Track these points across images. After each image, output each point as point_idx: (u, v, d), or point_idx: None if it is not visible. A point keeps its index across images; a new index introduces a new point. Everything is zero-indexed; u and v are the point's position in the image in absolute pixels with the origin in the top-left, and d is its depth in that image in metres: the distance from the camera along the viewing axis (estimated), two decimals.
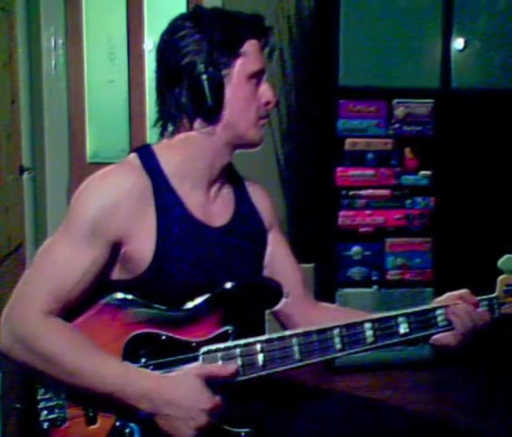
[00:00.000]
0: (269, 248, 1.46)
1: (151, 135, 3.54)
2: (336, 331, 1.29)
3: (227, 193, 1.42)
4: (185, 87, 1.29)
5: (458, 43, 3.25)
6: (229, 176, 1.43)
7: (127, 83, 3.54)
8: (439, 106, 3.26)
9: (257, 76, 1.32)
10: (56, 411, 1.23)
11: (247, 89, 1.32)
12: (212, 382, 1.21)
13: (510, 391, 2.98)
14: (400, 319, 1.33)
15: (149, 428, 1.21)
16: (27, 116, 3.31)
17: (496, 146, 3.30)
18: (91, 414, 1.23)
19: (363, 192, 3.25)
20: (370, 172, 3.25)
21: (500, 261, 1.43)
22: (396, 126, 3.23)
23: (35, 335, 1.19)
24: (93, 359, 1.20)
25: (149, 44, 3.51)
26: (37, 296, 1.21)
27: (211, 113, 1.30)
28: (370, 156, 3.24)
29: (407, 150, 3.27)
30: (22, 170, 3.20)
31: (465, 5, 3.25)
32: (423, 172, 3.28)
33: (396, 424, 1.35)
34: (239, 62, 1.30)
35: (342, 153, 3.22)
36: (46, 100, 3.40)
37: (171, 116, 1.33)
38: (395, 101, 3.22)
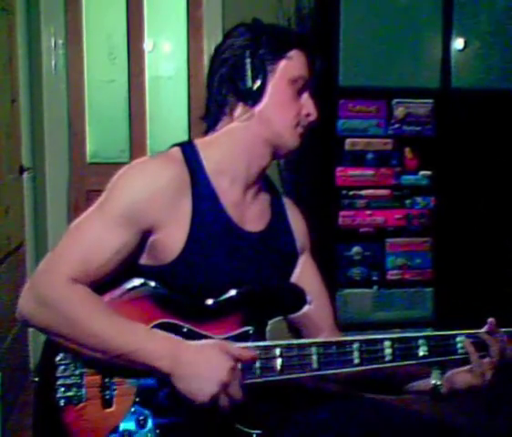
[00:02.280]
0: (297, 271, 1.47)
1: (151, 135, 3.55)
2: (356, 346, 1.28)
3: (264, 202, 1.44)
4: (230, 73, 1.34)
5: (458, 43, 3.25)
6: (267, 187, 1.46)
7: (127, 83, 3.54)
8: (439, 106, 3.26)
9: (300, 84, 1.36)
10: (74, 389, 1.23)
11: (287, 92, 1.35)
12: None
13: (510, 392, 2.98)
14: (420, 341, 1.32)
15: (164, 412, 1.22)
16: (27, 116, 3.32)
17: (497, 146, 3.30)
18: (108, 397, 1.23)
19: (363, 192, 3.25)
20: (370, 172, 3.25)
21: None
22: (396, 126, 3.24)
23: (61, 297, 1.20)
24: (117, 320, 1.21)
25: (149, 44, 3.51)
26: (66, 264, 1.22)
27: (251, 96, 1.33)
28: (370, 156, 3.24)
29: (407, 150, 3.27)
30: (22, 170, 3.20)
31: (465, 5, 3.25)
32: (423, 172, 3.29)
33: (396, 424, 1.35)
34: (283, 63, 1.35)
35: (342, 153, 3.22)
36: (45, 100, 3.40)
37: (216, 106, 1.37)
38: (395, 101, 3.23)
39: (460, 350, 1.34)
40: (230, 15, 3.41)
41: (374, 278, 3.30)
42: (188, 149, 1.36)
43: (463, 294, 3.13)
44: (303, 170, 3.57)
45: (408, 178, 3.28)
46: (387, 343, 1.30)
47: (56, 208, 3.43)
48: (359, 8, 3.16)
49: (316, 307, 1.38)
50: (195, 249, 1.28)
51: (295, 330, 1.46)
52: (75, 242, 1.25)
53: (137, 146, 3.53)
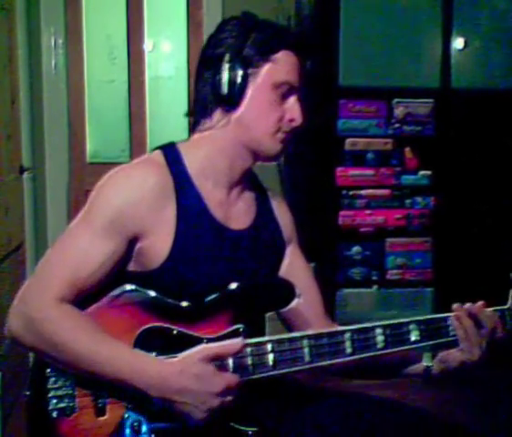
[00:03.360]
0: (286, 262, 1.47)
1: (151, 135, 3.55)
2: (347, 335, 1.29)
3: (248, 199, 1.43)
4: (211, 75, 1.32)
5: (458, 43, 3.25)
6: (252, 184, 1.45)
7: (127, 83, 3.54)
8: (439, 106, 3.26)
9: (285, 88, 1.32)
10: (66, 400, 1.22)
11: (270, 96, 1.31)
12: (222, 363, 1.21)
13: (511, 391, 2.98)
14: (411, 326, 1.33)
15: (160, 416, 1.21)
16: (27, 116, 3.31)
17: (497, 145, 3.30)
18: (100, 405, 1.23)
19: (363, 192, 3.26)
20: (370, 172, 3.25)
21: None
22: (396, 125, 3.24)
23: (49, 321, 1.19)
24: (104, 346, 1.20)
25: (149, 44, 3.51)
26: (53, 281, 1.21)
27: (228, 102, 1.31)
28: (370, 156, 3.24)
29: (407, 150, 3.27)
30: (22, 170, 3.20)
31: (465, 4, 3.25)
32: (423, 172, 3.29)
33: (396, 424, 1.35)
34: (267, 66, 1.30)
35: (342, 153, 3.22)
36: (46, 100, 3.40)
37: (198, 107, 1.35)
38: (395, 101, 3.23)
39: (452, 333, 1.35)
40: (229, 15, 3.41)
41: (374, 277, 3.30)
42: (170, 153, 1.34)
43: (463, 294, 3.12)
44: (303, 170, 3.57)
45: (408, 178, 3.28)
46: (379, 331, 1.31)
47: (56, 208, 3.44)
48: (359, 8, 3.16)
49: (306, 300, 1.37)
50: (182, 252, 1.28)
51: (287, 325, 1.46)
52: (62, 257, 1.24)
53: (137, 146, 3.53)
